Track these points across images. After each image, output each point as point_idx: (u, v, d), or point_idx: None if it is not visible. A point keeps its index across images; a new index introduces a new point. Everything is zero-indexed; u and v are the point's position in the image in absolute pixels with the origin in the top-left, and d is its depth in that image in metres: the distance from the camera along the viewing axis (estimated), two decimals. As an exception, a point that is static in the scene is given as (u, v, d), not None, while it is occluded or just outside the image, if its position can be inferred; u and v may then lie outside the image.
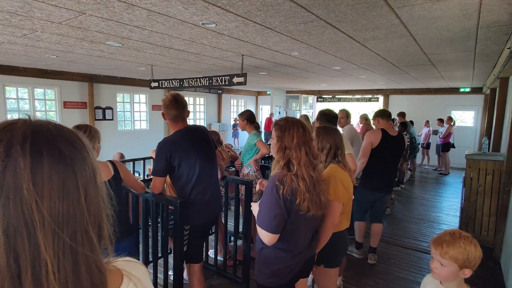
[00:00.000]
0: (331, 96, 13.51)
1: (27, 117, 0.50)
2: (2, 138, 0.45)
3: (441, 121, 9.49)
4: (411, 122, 8.77)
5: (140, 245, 2.84)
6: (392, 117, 9.29)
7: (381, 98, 12.28)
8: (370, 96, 12.53)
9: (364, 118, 5.81)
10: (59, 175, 0.46)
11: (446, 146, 9.23)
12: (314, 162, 1.62)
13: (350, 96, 13.09)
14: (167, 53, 5.09)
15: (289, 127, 1.63)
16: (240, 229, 3.42)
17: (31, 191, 0.43)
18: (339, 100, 13.39)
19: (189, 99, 12.73)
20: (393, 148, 3.49)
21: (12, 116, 8.21)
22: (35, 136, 0.46)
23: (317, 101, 13.83)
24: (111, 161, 2.11)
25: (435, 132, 9.83)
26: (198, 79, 6.22)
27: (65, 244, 0.45)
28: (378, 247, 3.68)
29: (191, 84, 6.47)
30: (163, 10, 2.85)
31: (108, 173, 2.03)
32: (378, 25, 3.20)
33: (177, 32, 3.69)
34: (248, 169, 3.60)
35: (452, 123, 9.21)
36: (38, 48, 4.91)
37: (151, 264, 2.80)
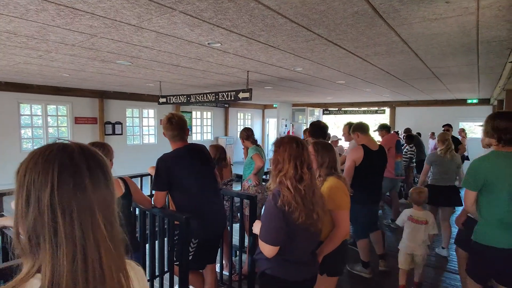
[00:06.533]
0: (337, 109, 13.56)
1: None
2: None
3: (433, 134, 9.22)
4: (419, 134, 8.72)
5: (147, 260, 2.89)
6: (396, 130, 9.23)
7: (387, 110, 12.28)
8: (376, 108, 12.54)
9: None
10: None
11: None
12: (304, 176, 1.68)
13: (356, 109, 13.12)
14: (174, 71, 5.25)
15: (284, 143, 1.74)
16: (245, 244, 3.45)
17: None
18: (345, 112, 13.43)
19: (196, 113, 12.92)
20: (376, 162, 3.51)
21: (25, 131, 8.47)
22: None
23: (323, 113, 13.88)
24: (122, 178, 2.18)
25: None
26: (204, 95, 6.36)
27: None
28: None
29: (197, 99, 6.60)
30: (170, 32, 2.98)
31: (119, 191, 2.10)
32: (378, 42, 3.28)
33: (184, 51, 3.83)
34: (248, 184, 3.68)
35: (464, 135, 8.99)
36: (52, 68, 5.12)
37: (157, 278, 2.84)
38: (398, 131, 8.35)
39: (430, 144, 9.90)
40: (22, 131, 8.28)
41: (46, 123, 8.70)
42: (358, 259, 3.68)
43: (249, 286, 2.93)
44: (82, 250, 0.61)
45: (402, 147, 6.48)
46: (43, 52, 3.93)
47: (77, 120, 9.11)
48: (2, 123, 7.72)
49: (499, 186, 2.05)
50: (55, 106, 8.91)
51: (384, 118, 12.45)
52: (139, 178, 3.83)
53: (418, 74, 5.42)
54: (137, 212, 2.91)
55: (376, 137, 5.68)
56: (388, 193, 5.58)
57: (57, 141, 0.68)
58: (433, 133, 9.84)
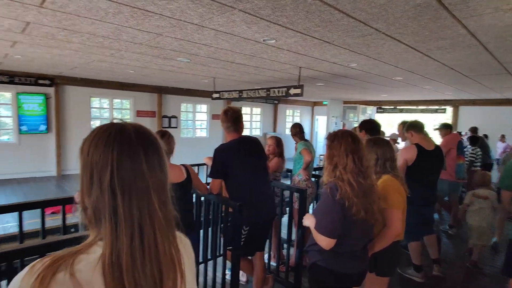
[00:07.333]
0: (392, 107, 12.89)
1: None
2: None
3: (503, 136, 8.63)
4: (485, 136, 7.97)
5: (201, 244, 3.09)
6: (459, 130, 8.56)
7: (449, 109, 11.36)
8: (436, 107, 11.67)
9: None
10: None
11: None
12: (363, 170, 1.67)
13: (414, 107, 12.34)
14: (229, 67, 5.46)
15: (338, 137, 1.74)
16: (293, 237, 3.51)
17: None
18: (401, 111, 12.70)
19: (246, 109, 13.20)
20: (431, 163, 3.31)
21: (94, 123, 9.42)
22: None
23: (377, 111, 13.29)
24: (184, 165, 2.39)
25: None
26: (256, 90, 6.51)
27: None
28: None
29: (249, 95, 6.78)
30: (229, 29, 3.14)
31: (181, 176, 2.30)
32: (442, 35, 3.10)
33: (240, 48, 3.98)
34: (299, 178, 3.72)
35: None
36: (121, 65, 5.64)
37: (210, 261, 3.03)
38: (461, 132, 7.72)
39: (498, 148, 9.01)
40: (92, 122, 9.23)
41: (112, 115, 9.60)
42: (411, 262, 3.54)
43: (296, 277, 3.00)
44: (139, 229, 0.65)
45: (465, 149, 5.98)
46: (115, 50, 4.36)
47: (139, 113, 9.90)
48: (78, 115, 8.70)
49: None
50: (120, 100, 9.78)
51: (445, 117, 11.55)
52: (196, 167, 4.09)
53: (487, 69, 4.96)
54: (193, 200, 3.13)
55: (437, 137, 5.34)
56: (446, 197, 5.22)
57: (114, 121, 0.72)
58: (503, 136, 8.94)
